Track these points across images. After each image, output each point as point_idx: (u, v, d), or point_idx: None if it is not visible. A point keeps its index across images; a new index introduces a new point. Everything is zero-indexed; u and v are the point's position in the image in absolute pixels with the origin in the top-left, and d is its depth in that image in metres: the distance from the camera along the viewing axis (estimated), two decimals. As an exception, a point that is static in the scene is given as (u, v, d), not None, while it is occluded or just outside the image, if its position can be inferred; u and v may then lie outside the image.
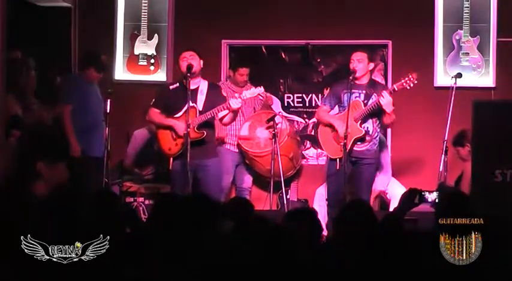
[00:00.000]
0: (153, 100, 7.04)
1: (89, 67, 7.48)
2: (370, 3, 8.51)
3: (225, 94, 7.23)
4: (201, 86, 6.94)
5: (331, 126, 7.09)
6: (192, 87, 6.83)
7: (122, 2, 8.77)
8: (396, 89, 6.92)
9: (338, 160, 6.92)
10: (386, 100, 6.84)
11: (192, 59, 6.88)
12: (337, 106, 7.19)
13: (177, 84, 7.03)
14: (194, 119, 6.77)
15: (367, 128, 7.01)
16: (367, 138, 7.02)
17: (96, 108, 7.36)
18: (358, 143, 7.01)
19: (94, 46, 8.11)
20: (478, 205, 5.34)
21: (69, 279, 3.67)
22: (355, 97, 6.98)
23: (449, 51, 8.37)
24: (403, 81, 6.90)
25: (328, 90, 7.57)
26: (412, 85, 6.89)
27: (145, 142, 8.35)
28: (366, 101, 7.00)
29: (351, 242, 4.00)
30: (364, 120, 6.99)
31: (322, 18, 8.54)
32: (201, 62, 6.94)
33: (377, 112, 6.98)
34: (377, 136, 7.12)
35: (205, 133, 6.83)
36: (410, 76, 6.88)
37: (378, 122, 7.06)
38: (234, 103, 6.73)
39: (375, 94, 6.98)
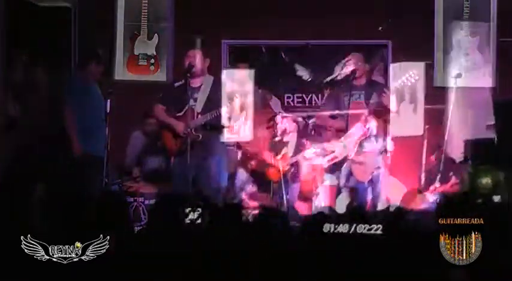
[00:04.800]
0: (160, 95, 7.08)
1: (89, 63, 7.46)
2: (370, 3, 8.50)
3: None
4: (205, 83, 6.94)
5: (333, 128, 7.11)
6: (196, 85, 6.85)
7: (121, 2, 8.76)
8: (397, 87, 6.91)
9: (340, 160, 6.92)
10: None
11: (194, 58, 6.90)
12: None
13: (182, 81, 7.03)
14: (192, 121, 6.79)
15: (370, 128, 7.02)
16: (370, 138, 7.03)
17: (97, 108, 7.35)
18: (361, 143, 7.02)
19: (94, 46, 8.09)
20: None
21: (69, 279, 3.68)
22: (356, 98, 6.99)
23: (449, 51, 8.37)
24: (403, 78, 6.90)
25: (328, 93, 7.58)
26: (413, 81, 6.87)
27: (142, 142, 8.36)
28: (367, 102, 7.00)
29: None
30: (366, 120, 7.00)
31: (322, 18, 8.54)
32: (206, 61, 6.95)
33: (378, 113, 6.99)
34: (378, 136, 7.13)
35: (200, 136, 6.83)
36: (411, 72, 6.86)
37: (378, 122, 7.07)
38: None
39: (375, 94, 6.98)
